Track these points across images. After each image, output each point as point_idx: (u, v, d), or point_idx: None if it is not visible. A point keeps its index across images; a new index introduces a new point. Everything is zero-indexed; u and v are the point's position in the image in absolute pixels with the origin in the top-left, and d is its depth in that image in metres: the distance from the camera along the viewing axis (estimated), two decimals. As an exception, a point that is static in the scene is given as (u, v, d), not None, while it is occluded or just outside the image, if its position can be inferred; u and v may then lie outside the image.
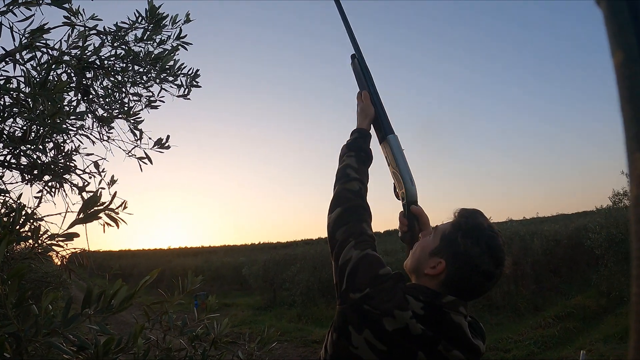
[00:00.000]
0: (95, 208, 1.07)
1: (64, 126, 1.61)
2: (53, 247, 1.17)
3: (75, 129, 1.85)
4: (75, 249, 1.60)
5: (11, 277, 0.89)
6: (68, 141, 1.85)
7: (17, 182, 1.68)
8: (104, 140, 1.99)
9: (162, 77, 1.96)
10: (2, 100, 1.50)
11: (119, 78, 1.92)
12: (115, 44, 1.83)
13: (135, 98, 2.01)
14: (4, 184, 1.63)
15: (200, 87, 2.06)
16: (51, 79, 1.53)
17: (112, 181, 1.88)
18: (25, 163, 1.68)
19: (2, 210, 1.58)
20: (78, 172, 1.84)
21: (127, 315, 1.56)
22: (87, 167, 1.85)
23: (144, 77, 1.95)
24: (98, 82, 1.91)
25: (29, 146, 1.53)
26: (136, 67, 1.90)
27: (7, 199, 1.61)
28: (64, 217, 1.40)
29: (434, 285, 1.01)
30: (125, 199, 1.48)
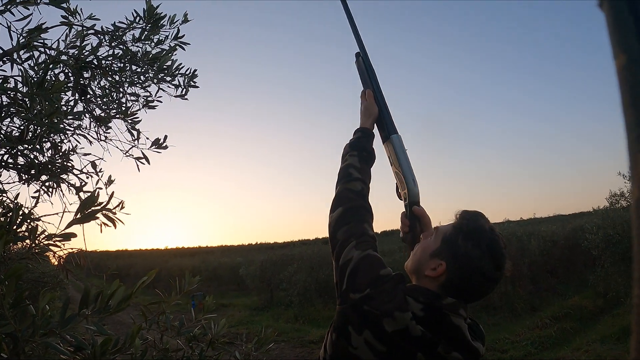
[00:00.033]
0: (93, 208, 1.06)
1: (62, 126, 1.60)
2: (50, 247, 1.16)
3: (72, 129, 1.84)
4: (72, 249, 1.60)
5: (8, 277, 0.89)
6: (65, 141, 1.84)
7: (14, 182, 1.67)
8: (101, 140, 1.99)
9: (159, 77, 1.95)
10: (0, 99, 1.49)
11: (117, 78, 1.91)
12: (112, 44, 1.83)
13: (132, 98, 2.01)
14: (1, 183, 1.63)
15: (197, 87, 2.05)
16: (49, 78, 1.53)
17: (110, 181, 1.88)
18: (23, 163, 1.67)
19: (-1, 210, 1.57)
20: (75, 172, 1.83)
21: (124, 315, 1.55)
22: (85, 167, 1.85)
23: (142, 77, 1.94)
24: (95, 82, 1.90)
25: (26, 146, 1.52)
26: (134, 67, 1.90)
27: (4, 198, 1.60)
28: (61, 217, 1.39)
29: (435, 287, 1.01)
30: (122, 199, 1.48)
